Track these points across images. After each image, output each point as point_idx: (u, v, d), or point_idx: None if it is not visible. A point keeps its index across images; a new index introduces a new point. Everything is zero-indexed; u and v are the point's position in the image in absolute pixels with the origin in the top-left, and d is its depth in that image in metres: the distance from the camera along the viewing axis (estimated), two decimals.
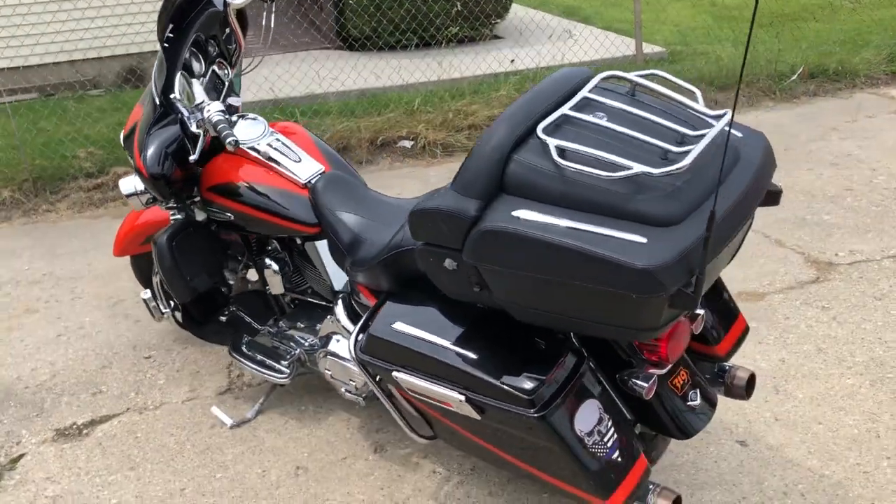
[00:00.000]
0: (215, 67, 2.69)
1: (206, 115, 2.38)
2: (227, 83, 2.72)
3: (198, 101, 2.42)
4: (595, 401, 1.89)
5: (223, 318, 2.90)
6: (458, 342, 1.94)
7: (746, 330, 2.28)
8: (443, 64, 6.39)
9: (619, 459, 1.87)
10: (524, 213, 1.69)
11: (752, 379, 2.23)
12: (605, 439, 1.86)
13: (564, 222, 1.65)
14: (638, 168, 1.62)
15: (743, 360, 2.91)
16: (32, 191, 4.92)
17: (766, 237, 3.87)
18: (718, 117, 1.82)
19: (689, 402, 2.04)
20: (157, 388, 3.05)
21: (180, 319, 2.93)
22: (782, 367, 2.90)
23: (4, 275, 4.04)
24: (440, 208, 1.79)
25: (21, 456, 2.73)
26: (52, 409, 2.97)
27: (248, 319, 2.88)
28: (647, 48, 6.90)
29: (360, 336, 2.12)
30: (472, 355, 1.90)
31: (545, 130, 1.73)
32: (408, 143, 5.57)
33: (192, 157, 2.45)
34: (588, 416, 1.85)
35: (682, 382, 2.03)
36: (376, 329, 2.06)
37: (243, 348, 2.81)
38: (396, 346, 2.00)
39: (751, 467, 2.44)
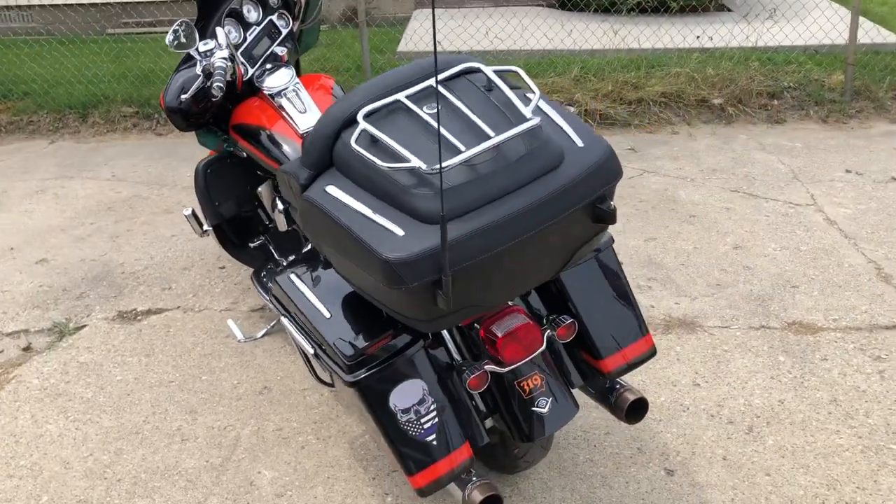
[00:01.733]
0: (274, 18, 2.97)
1: (211, 59, 2.67)
2: (283, 33, 2.99)
3: (210, 46, 2.70)
4: (420, 382, 1.92)
5: (253, 245, 3.23)
6: (322, 300, 2.07)
7: (651, 353, 2.14)
8: (633, 33, 6.15)
9: (434, 443, 1.90)
10: (332, 189, 1.77)
11: (638, 403, 2.10)
12: (423, 420, 1.90)
13: (353, 203, 1.71)
14: (415, 163, 1.63)
15: (738, 391, 2.68)
16: None
17: (878, 269, 3.40)
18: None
19: (536, 409, 1.99)
20: (210, 294, 3.49)
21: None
22: (775, 408, 2.62)
23: (168, 177, 4.76)
24: (286, 171, 1.92)
25: (83, 326, 3.32)
26: (128, 294, 3.54)
27: (273, 251, 3.18)
28: (882, 35, 6.06)
29: (264, 277, 2.32)
30: (326, 314, 2.02)
31: (370, 113, 1.78)
32: (571, 109, 5.51)
33: (214, 98, 2.75)
34: (407, 395, 1.90)
35: (531, 387, 1.98)
36: (274, 274, 2.25)
37: (262, 276, 3.12)
38: (283, 294, 2.18)
39: (656, 499, 2.30)
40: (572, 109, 5.44)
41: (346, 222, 1.67)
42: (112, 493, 2.43)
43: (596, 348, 2.07)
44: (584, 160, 1.71)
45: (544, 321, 2.05)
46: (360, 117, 1.76)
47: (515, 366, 1.95)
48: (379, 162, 1.66)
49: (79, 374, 3.01)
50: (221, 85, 2.58)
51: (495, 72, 1.86)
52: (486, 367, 1.93)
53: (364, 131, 1.73)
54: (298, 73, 3.11)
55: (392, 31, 6.97)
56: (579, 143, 1.75)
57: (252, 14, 2.92)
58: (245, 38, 2.86)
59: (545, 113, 1.83)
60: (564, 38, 6.26)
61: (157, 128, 5.66)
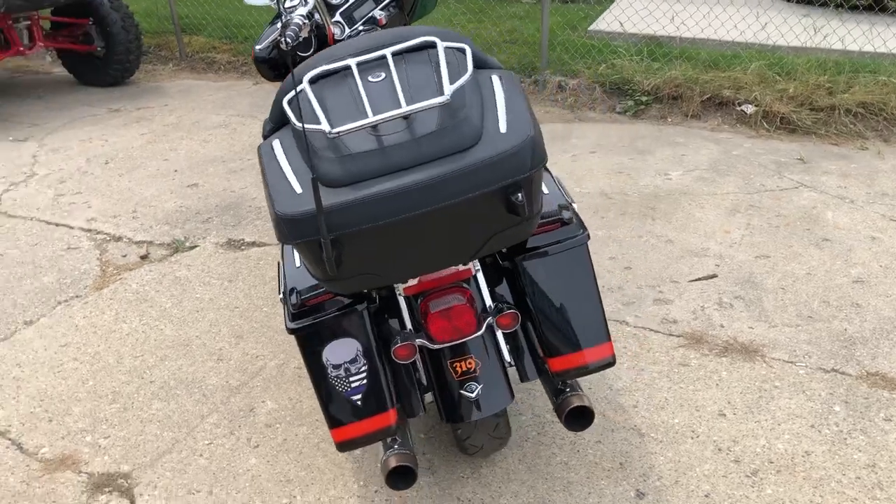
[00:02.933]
0: None
1: (291, 15, 2.82)
2: None
3: (294, 2, 2.85)
4: (356, 342, 1.96)
5: None
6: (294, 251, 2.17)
7: (607, 362, 2.00)
8: (838, 31, 5.49)
9: (358, 403, 1.95)
10: (276, 143, 1.86)
11: (580, 412, 1.99)
12: (351, 380, 1.95)
13: (281, 158, 1.79)
14: (323, 126, 1.66)
15: (764, 431, 2.42)
16: None
17: None
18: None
19: (463, 392, 1.97)
20: None
21: None
22: (796, 458, 2.33)
23: None
24: (264, 121, 2.04)
25: (195, 246, 3.71)
26: (244, 225, 3.88)
27: None
28: None
29: None
30: (296, 264, 2.12)
31: (325, 76, 1.83)
32: (749, 109, 5.10)
33: (283, 47, 2.82)
34: (341, 351, 1.95)
35: (464, 370, 1.96)
36: None
37: None
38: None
39: None
40: (750, 110, 5.03)
41: (267, 174, 1.75)
42: (140, 392, 2.74)
43: (546, 345, 1.99)
44: (497, 146, 1.63)
45: (488, 308, 2.00)
46: (305, 79, 1.82)
47: (447, 345, 1.93)
48: (295, 122, 1.72)
49: (169, 286, 3.38)
50: (288, 40, 2.67)
51: (448, 48, 1.83)
52: (417, 340, 1.93)
53: (303, 91, 1.79)
54: None
55: (597, 9, 6.81)
56: (502, 129, 1.66)
57: None
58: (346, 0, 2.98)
59: (485, 93, 1.76)
60: (758, 31, 5.75)
61: None
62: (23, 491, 2.34)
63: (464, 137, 1.64)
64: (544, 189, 2.04)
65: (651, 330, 2.94)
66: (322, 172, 1.65)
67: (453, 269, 1.93)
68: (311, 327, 1.94)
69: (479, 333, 1.94)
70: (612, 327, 2.93)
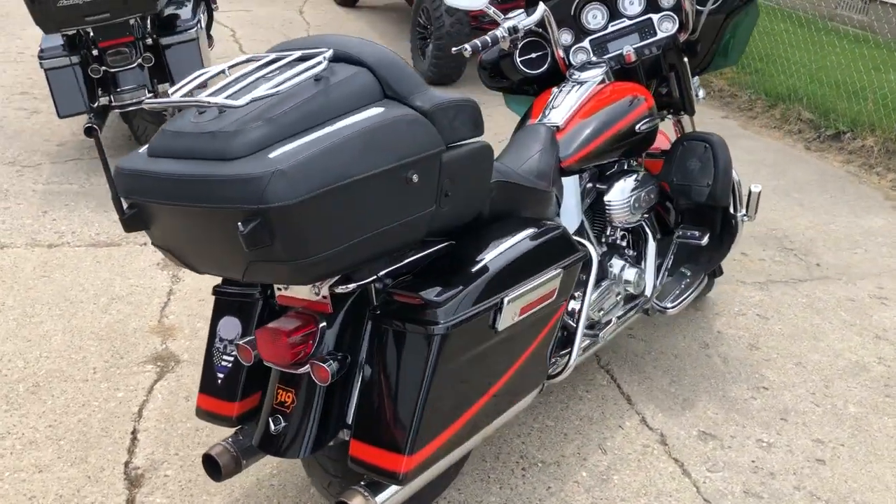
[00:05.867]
0: (656, 17, 2.60)
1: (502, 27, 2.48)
2: (658, 36, 2.61)
3: (517, 13, 2.55)
4: (238, 323, 1.88)
5: None
6: None
7: (391, 476, 1.64)
8: None
9: (218, 381, 1.89)
10: None
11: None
12: (224, 357, 1.89)
13: None
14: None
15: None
16: None
17: None
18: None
19: (270, 421, 1.76)
20: None
21: None
22: None
23: None
24: None
25: None
26: None
27: None
28: None
29: None
30: None
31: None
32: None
33: (465, 53, 2.48)
34: (227, 328, 1.89)
35: (279, 400, 1.76)
36: None
37: None
38: None
39: None
40: None
41: None
42: None
43: (355, 422, 1.73)
44: (238, 167, 1.41)
45: (321, 352, 1.75)
46: (227, 66, 1.68)
47: (274, 367, 1.76)
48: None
49: None
50: (468, 47, 2.43)
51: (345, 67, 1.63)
52: (255, 351, 1.79)
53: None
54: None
55: None
56: (272, 155, 1.43)
57: (632, 7, 2.62)
58: (606, 27, 2.62)
59: (326, 116, 1.54)
60: None
61: None
62: None
63: (229, 147, 1.44)
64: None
65: None
66: (152, 140, 1.59)
67: (307, 296, 1.74)
68: (220, 295, 1.92)
69: (301, 371, 1.71)
70: None
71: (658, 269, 2.68)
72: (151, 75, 4.01)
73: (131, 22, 3.89)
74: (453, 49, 2.51)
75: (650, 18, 2.62)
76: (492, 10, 2.55)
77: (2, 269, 3.16)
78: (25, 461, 2.22)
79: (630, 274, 2.48)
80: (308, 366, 1.67)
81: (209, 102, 1.45)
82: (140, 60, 3.93)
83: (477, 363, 1.75)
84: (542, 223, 1.97)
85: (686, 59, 2.70)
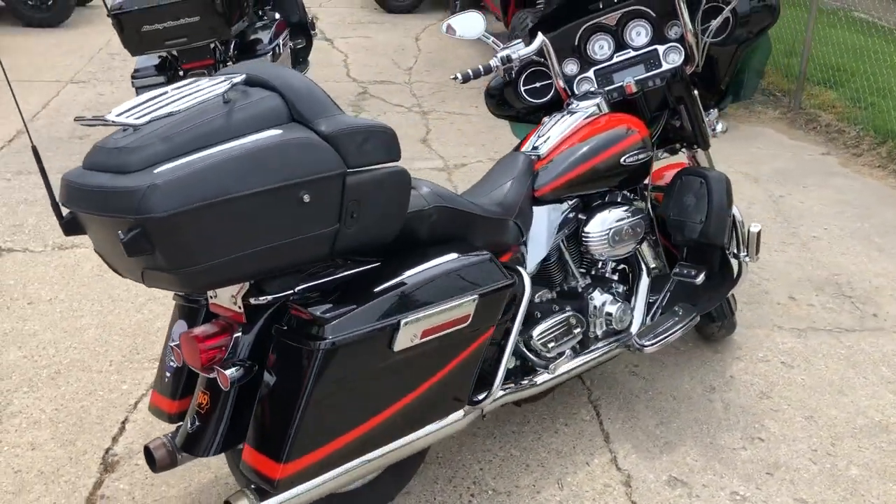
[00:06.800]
0: (661, 49, 2.57)
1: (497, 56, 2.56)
2: (662, 68, 2.56)
3: (513, 43, 2.60)
4: (186, 326, 1.95)
5: None
6: None
7: (267, 481, 1.73)
8: None
9: (165, 379, 2.00)
10: None
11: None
12: (171, 357, 1.98)
13: None
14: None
15: None
16: None
17: None
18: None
19: (187, 420, 1.90)
20: None
21: None
22: None
23: None
24: None
25: None
26: None
27: None
28: None
29: None
30: None
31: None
32: None
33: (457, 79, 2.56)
34: (177, 331, 1.97)
35: (198, 402, 1.88)
36: None
37: None
38: None
39: None
40: None
41: None
42: None
43: (249, 427, 1.81)
44: (122, 181, 1.52)
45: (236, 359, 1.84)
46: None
47: (195, 370, 1.86)
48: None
49: None
50: (459, 75, 2.49)
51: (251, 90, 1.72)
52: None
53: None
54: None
55: None
56: (157, 171, 1.53)
57: (638, 38, 2.59)
58: (611, 58, 2.60)
59: (225, 135, 1.61)
60: None
61: None
62: None
63: (127, 162, 1.54)
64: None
65: None
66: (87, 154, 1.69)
67: (229, 305, 1.84)
68: (176, 300, 2.02)
69: (212, 376, 1.81)
70: None
71: (651, 305, 2.59)
72: None
73: (211, 46, 4.20)
74: (451, 76, 2.55)
75: (656, 50, 2.57)
76: (490, 40, 2.59)
77: (66, 267, 3.49)
78: (25, 438, 2.45)
79: (613, 308, 2.43)
80: (199, 364, 1.77)
81: (111, 121, 1.58)
82: None
83: (372, 381, 1.79)
84: (469, 249, 1.98)
85: (696, 92, 2.61)
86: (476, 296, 1.90)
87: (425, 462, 2.34)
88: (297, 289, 1.80)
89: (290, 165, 1.60)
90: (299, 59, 5.64)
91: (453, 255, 1.93)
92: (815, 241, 3.93)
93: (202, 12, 3.92)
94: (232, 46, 4.42)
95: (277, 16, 5.25)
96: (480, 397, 2.08)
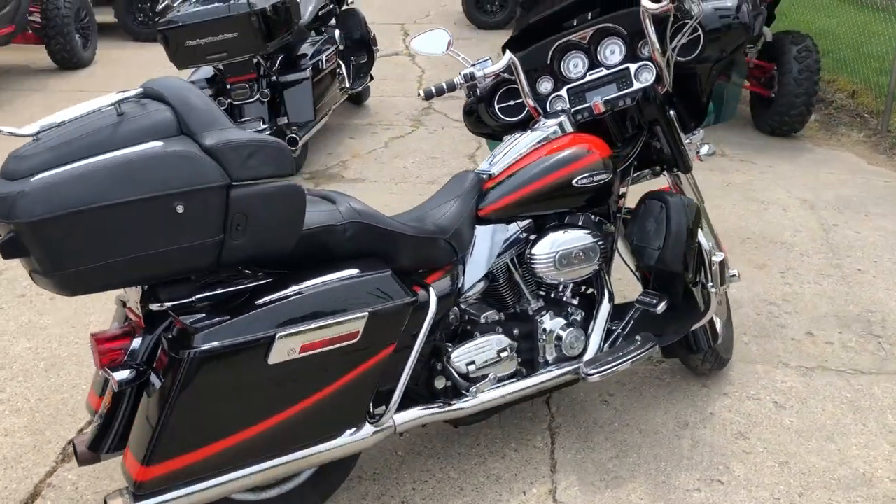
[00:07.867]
0: (633, 66, 2.48)
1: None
2: (633, 87, 2.47)
3: (481, 60, 2.55)
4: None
5: None
6: None
7: (132, 481, 1.79)
8: None
9: (97, 377, 2.02)
10: None
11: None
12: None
13: None
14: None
15: None
16: None
17: None
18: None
19: (95, 420, 1.96)
20: None
21: None
22: None
23: None
24: None
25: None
26: None
27: None
28: None
29: None
30: None
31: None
32: None
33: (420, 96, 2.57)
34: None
35: (103, 402, 1.93)
36: None
37: None
38: None
39: None
40: None
41: None
42: None
43: None
44: (7, 187, 1.59)
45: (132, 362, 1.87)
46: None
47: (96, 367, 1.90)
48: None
49: None
50: (422, 92, 2.49)
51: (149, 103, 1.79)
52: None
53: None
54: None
55: None
56: (33, 179, 1.59)
57: (612, 56, 2.50)
58: (584, 76, 2.51)
59: (110, 146, 1.66)
60: None
61: None
62: None
63: (16, 169, 1.61)
64: None
65: None
66: None
67: (135, 311, 1.89)
68: (119, 302, 2.06)
69: (104, 373, 1.85)
70: None
71: (611, 333, 2.48)
72: (270, 109, 4.46)
73: (254, 61, 4.37)
74: (420, 93, 2.55)
75: (627, 68, 2.47)
76: (461, 57, 2.57)
77: None
78: (2, 425, 2.62)
79: (564, 333, 2.34)
80: (98, 366, 1.84)
81: (5, 132, 1.68)
82: (258, 96, 4.39)
83: (245, 393, 1.81)
84: (372, 266, 1.97)
85: (673, 113, 2.48)
86: (366, 313, 1.89)
87: (360, 477, 2.34)
88: (194, 297, 1.85)
89: (165, 176, 1.65)
90: (360, 74, 5.78)
91: (351, 271, 1.93)
92: (858, 274, 3.65)
93: (240, 29, 4.08)
94: (278, 61, 4.57)
95: (338, 33, 5.41)
96: (379, 415, 2.05)
